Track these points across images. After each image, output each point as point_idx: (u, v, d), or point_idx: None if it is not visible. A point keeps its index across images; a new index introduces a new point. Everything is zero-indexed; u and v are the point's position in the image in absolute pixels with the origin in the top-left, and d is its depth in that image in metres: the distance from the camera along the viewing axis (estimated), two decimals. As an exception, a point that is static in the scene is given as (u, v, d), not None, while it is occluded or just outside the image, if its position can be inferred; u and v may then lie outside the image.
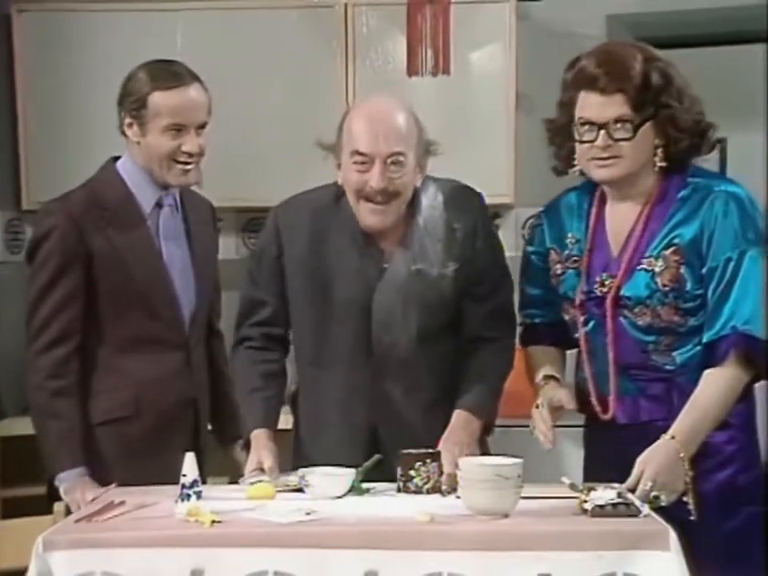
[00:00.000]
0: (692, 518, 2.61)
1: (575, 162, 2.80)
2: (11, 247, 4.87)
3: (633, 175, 2.75)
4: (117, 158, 3.18)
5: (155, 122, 3.05)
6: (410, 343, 2.93)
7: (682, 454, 2.61)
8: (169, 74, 3.08)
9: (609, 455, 2.80)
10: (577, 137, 2.74)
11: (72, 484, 2.99)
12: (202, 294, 3.21)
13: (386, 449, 2.88)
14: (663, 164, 2.75)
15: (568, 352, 2.98)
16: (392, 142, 2.85)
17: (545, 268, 2.92)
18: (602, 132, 2.70)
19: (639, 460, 2.60)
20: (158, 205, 3.14)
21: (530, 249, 2.97)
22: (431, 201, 2.96)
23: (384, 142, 2.85)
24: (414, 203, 2.95)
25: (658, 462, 2.59)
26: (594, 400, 2.82)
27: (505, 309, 3.01)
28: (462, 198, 3.00)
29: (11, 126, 4.76)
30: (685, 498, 2.63)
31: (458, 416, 2.92)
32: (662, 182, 2.78)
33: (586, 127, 2.72)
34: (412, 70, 4.59)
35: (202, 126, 3.09)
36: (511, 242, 4.60)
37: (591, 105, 2.71)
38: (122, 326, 3.08)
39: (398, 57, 4.65)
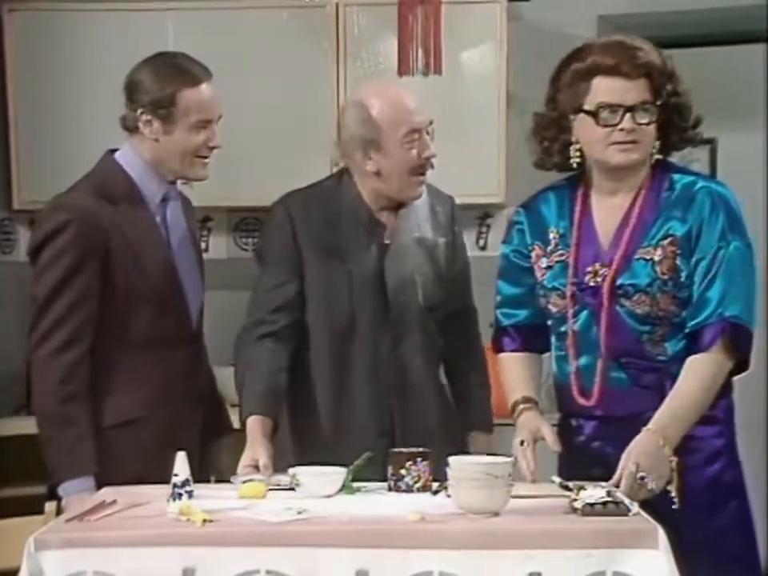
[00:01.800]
0: (675, 506, 2.62)
1: (571, 154, 2.81)
2: (3, 247, 4.87)
3: (641, 163, 2.78)
4: (113, 151, 3.11)
5: (185, 119, 3.00)
6: (421, 310, 3.12)
7: (661, 443, 2.63)
8: (193, 70, 3.03)
9: (589, 452, 2.81)
10: (600, 122, 2.73)
11: (77, 495, 2.87)
12: (202, 289, 3.19)
13: (397, 422, 3.09)
14: (659, 156, 2.79)
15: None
16: (424, 115, 3.08)
17: (524, 267, 2.92)
18: (628, 115, 2.72)
19: (624, 454, 2.61)
20: (164, 199, 3.10)
21: (509, 248, 2.96)
22: None
23: (422, 115, 3.08)
24: None
25: (638, 451, 2.61)
26: (577, 394, 2.81)
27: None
28: (437, 191, 3.25)
29: (2, 126, 4.76)
30: (669, 488, 2.63)
31: (478, 440, 3.21)
32: (650, 175, 2.81)
33: (607, 111, 2.73)
34: (403, 69, 4.61)
35: (218, 120, 3.08)
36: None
37: (614, 89, 2.72)
38: (133, 324, 3.00)
39: (389, 57, 4.67)
